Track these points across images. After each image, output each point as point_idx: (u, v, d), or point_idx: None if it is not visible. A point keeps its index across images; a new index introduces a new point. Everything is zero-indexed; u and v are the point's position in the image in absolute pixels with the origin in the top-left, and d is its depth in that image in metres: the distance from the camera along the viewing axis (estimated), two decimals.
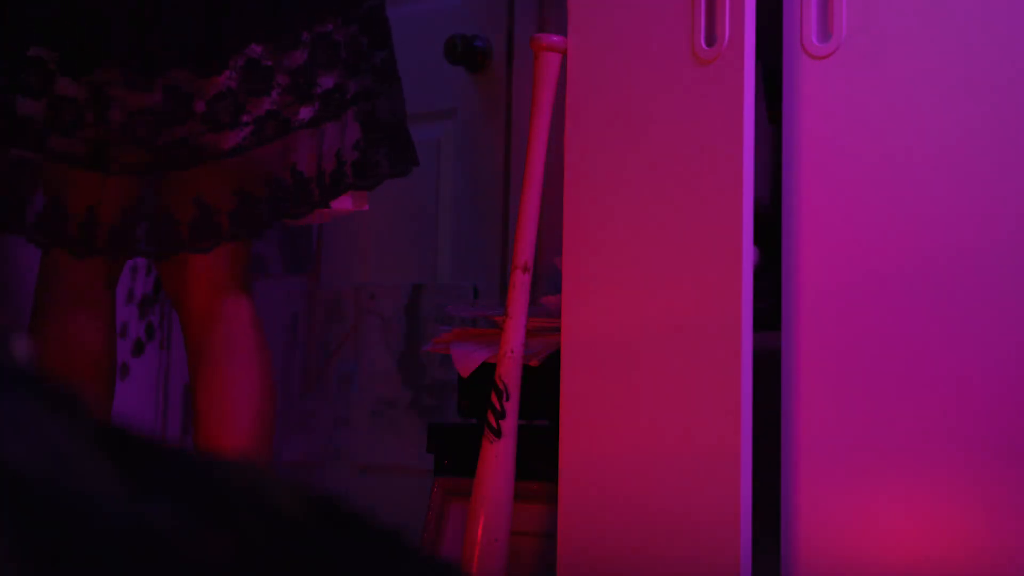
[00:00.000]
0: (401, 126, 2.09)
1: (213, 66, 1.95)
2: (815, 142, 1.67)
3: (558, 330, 1.92)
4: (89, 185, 1.98)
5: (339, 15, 2.04)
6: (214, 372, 2.05)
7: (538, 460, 1.98)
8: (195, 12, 1.97)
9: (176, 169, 1.97)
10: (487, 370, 2.03)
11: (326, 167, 2.02)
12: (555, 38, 1.92)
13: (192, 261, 2.05)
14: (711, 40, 1.73)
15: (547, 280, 2.42)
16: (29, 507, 0.50)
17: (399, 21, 2.88)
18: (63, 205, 1.99)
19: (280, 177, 2.00)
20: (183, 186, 1.97)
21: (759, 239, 1.75)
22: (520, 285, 1.92)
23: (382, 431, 2.80)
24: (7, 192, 1.99)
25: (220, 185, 1.98)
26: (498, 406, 1.89)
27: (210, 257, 2.04)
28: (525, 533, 2.02)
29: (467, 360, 2.08)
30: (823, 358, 1.64)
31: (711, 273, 1.69)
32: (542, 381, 1.99)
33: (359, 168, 2.05)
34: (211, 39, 1.96)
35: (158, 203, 1.98)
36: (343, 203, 2.10)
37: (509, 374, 1.90)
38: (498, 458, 1.89)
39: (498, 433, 1.89)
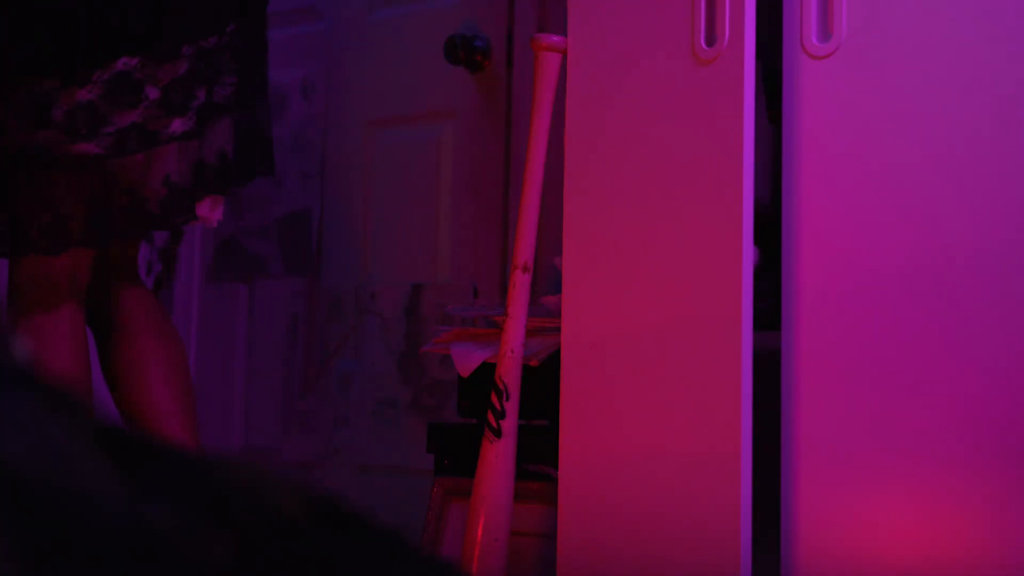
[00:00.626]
0: (265, 135, 2.19)
1: (74, 78, 2.00)
2: (815, 142, 1.67)
3: (558, 330, 1.92)
4: None
5: (219, 31, 2.09)
6: (122, 348, 2.17)
7: (538, 460, 1.98)
8: (66, 24, 2.03)
9: (35, 171, 2.03)
10: (487, 370, 2.03)
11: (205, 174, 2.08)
12: (555, 38, 1.92)
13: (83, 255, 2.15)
14: (711, 40, 1.73)
15: (547, 280, 2.42)
16: (29, 507, 0.50)
17: (399, 21, 2.88)
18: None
19: (147, 188, 2.05)
20: (40, 191, 2.03)
21: (759, 239, 1.75)
22: (520, 285, 1.92)
23: (382, 431, 2.80)
24: None
25: (75, 193, 2.04)
26: (498, 406, 1.89)
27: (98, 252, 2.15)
28: (525, 533, 2.02)
29: (467, 360, 2.08)
30: (823, 358, 1.64)
31: (711, 273, 1.69)
32: (542, 381, 1.98)
33: (220, 173, 2.12)
34: (76, 51, 2.02)
35: (13, 204, 2.04)
36: (215, 213, 2.16)
37: (509, 374, 1.90)
38: (498, 458, 1.89)
39: (498, 433, 1.89)
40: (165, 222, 2.07)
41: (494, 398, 1.90)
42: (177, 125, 2.04)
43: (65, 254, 2.09)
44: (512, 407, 1.90)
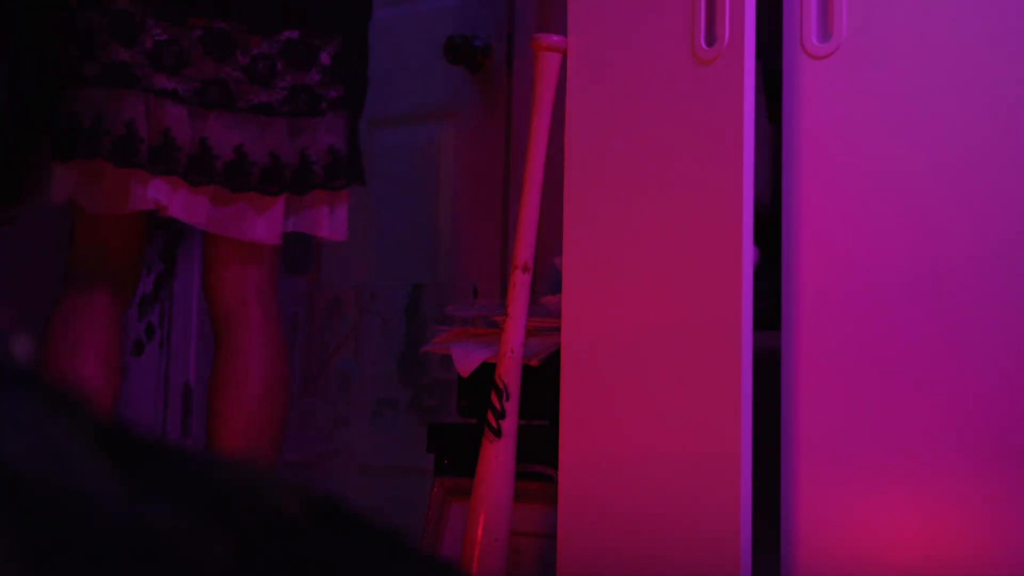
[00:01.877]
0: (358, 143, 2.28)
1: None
2: (815, 142, 1.67)
3: (558, 330, 1.92)
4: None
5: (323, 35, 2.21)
6: (227, 365, 2.22)
7: (538, 460, 1.98)
8: None
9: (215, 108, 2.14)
10: (487, 370, 2.03)
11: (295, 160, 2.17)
12: (555, 38, 1.92)
13: (225, 259, 2.25)
14: (711, 40, 1.73)
15: (547, 280, 2.42)
16: (29, 507, 0.50)
17: (399, 21, 2.88)
18: (136, 131, 2.10)
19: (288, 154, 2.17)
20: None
21: (759, 239, 1.74)
22: (520, 285, 1.92)
23: (382, 431, 2.80)
24: (92, 121, 2.09)
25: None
26: (498, 406, 1.89)
27: (241, 256, 2.26)
28: (525, 533, 2.02)
29: (467, 360, 2.08)
30: (823, 358, 1.64)
31: (711, 273, 1.69)
32: (542, 381, 1.98)
33: (330, 170, 2.18)
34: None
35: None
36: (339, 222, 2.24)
37: (509, 374, 1.90)
38: (498, 458, 1.89)
39: (498, 433, 1.89)
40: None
41: (494, 398, 1.90)
42: (262, 95, 2.13)
43: (117, 249, 2.15)
44: (512, 407, 1.90)
